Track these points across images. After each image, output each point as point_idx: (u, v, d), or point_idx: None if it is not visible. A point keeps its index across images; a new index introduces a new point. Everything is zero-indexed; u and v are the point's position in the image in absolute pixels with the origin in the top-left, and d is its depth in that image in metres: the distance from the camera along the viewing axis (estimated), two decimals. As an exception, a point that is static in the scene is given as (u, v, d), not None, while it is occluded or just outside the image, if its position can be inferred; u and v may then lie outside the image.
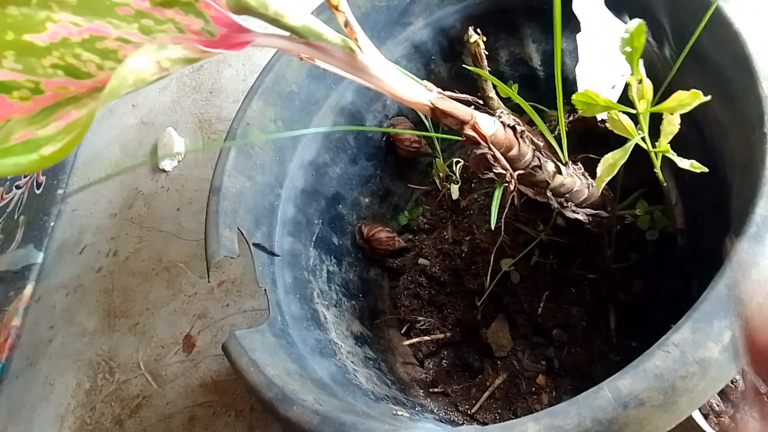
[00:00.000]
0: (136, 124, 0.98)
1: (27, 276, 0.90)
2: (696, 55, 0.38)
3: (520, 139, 0.30)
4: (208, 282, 0.75)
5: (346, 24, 0.23)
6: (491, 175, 0.32)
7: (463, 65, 0.56)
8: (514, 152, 0.31)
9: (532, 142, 0.32)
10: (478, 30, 0.39)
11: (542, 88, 0.58)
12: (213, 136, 0.90)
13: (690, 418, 0.41)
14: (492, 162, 0.30)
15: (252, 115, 0.49)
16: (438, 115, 0.27)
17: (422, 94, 0.27)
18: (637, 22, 0.34)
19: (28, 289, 0.89)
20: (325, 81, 0.52)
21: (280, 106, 0.51)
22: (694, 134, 0.44)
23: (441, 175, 0.54)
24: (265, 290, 0.46)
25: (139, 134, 0.97)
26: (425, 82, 0.27)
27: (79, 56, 0.20)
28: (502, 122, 0.29)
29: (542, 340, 0.49)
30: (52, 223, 0.93)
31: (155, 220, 0.87)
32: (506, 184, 0.32)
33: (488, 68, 0.43)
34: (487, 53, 0.41)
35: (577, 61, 0.57)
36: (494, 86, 0.48)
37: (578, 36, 0.55)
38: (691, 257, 0.44)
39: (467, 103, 0.29)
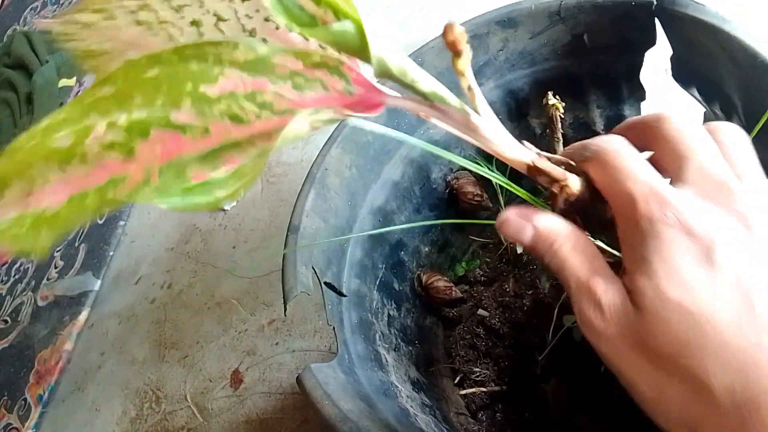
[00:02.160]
0: (199, 163, 1.02)
1: (83, 302, 0.93)
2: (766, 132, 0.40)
3: (598, 202, 0.32)
4: (285, 316, 0.77)
5: (469, 88, 0.25)
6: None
7: (528, 126, 0.58)
8: (591, 212, 0.33)
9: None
10: (557, 95, 0.42)
11: (604, 151, 0.60)
12: (272, 179, 0.94)
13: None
14: (573, 218, 0.32)
15: (330, 161, 0.52)
16: (533, 173, 0.29)
17: (525, 153, 0.29)
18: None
19: (83, 315, 0.92)
20: (400, 130, 0.55)
21: (356, 154, 0.54)
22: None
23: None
24: (334, 328, 0.47)
25: (201, 173, 1.01)
26: (525, 142, 0.30)
27: (242, 107, 0.23)
28: (587, 184, 0.32)
29: (605, 406, 0.49)
30: (111, 253, 0.97)
31: (210, 256, 0.90)
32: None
33: (562, 130, 0.45)
34: (562, 116, 0.43)
35: (639, 128, 0.59)
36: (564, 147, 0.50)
37: (642, 104, 0.57)
38: None
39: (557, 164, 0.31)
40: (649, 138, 0.31)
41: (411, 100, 0.26)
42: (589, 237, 0.31)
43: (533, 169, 0.29)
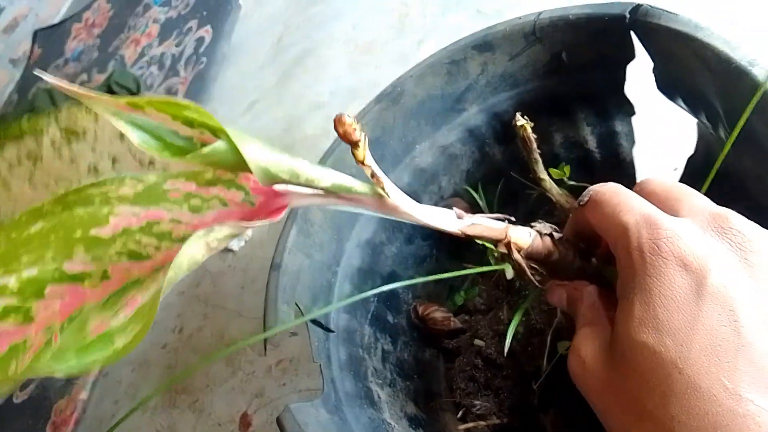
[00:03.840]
0: (208, 206, 1.03)
1: (98, 350, 0.93)
2: (749, 136, 0.38)
3: (559, 246, 0.32)
4: (265, 354, 0.77)
5: (373, 175, 0.25)
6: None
7: (517, 148, 0.57)
8: (554, 257, 0.32)
9: (573, 247, 0.33)
10: (525, 116, 0.41)
11: (599, 169, 0.59)
12: (279, 218, 0.94)
13: None
14: (525, 274, 0.31)
15: (313, 195, 0.52)
16: (470, 239, 0.29)
17: (453, 223, 0.29)
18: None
19: (98, 363, 0.92)
20: (381, 166, 0.55)
21: (340, 187, 0.54)
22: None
23: (496, 255, 0.54)
24: (320, 366, 0.46)
25: (210, 216, 1.02)
26: (455, 209, 0.29)
27: (139, 241, 0.22)
28: (537, 231, 0.31)
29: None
30: (124, 300, 0.98)
31: (220, 298, 0.90)
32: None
33: (539, 150, 0.44)
34: (536, 136, 0.42)
35: (633, 143, 0.58)
36: (548, 168, 0.49)
37: (633, 119, 0.56)
38: None
39: (501, 219, 0.31)
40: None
41: (318, 196, 0.25)
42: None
43: (468, 236, 0.29)
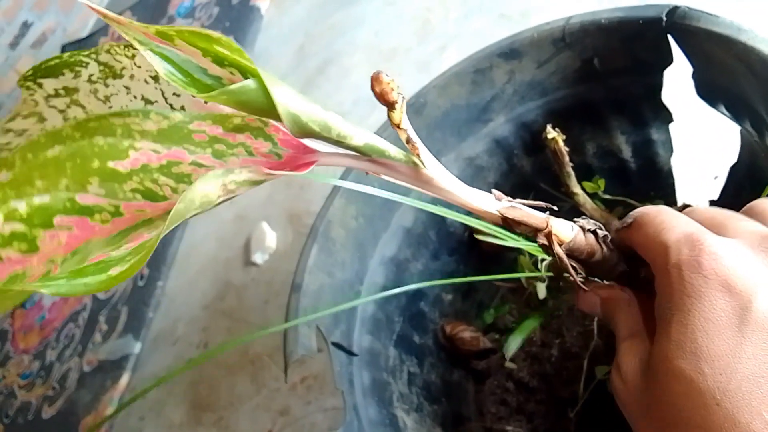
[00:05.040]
0: (232, 218, 1.03)
1: (124, 366, 0.93)
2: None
3: (603, 245, 0.29)
4: (285, 382, 0.75)
5: (408, 140, 0.23)
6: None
7: (547, 158, 0.55)
8: (597, 257, 0.29)
9: (618, 247, 0.30)
10: (557, 128, 0.38)
11: (634, 179, 0.56)
12: (302, 230, 0.93)
13: None
14: (568, 271, 0.28)
15: (334, 212, 0.50)
16: (509, 224, 0.26)
17: (490, 203, 0.26)
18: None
19: (124, 379, 0.92)
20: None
21: (362, 202, 0.52)
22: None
23: (527, 271, 0.52)
24: (342, 393, 0.44)
25: (235, 228, 1.02)
26: (494, 191, 0.27)
27: (157, 180, 0.21)
28: (581, 227, 0.28)
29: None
30: (150, 314, 0.98)
31: (244, 312, 0.89)
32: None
33: (571, 163, 0.41)
34: (568, 149, 0.40)
35: (671, 152, 0.54)
36: (581, 182, 0.46)
37: (671, 126, 0.53)
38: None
39: (543, 209, 0.28)
40: None
41: (348, 157, 0.23)
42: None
43: (507, 221, 0.26)
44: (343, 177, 0.52)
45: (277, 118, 0.19)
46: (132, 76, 0.24)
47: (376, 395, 0.47)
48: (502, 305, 0.59)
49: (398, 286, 0.53)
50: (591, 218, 0.43)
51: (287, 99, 0.19)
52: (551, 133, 0.38)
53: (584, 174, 0.52)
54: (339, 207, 0.50)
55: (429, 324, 0.57)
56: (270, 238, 0.94)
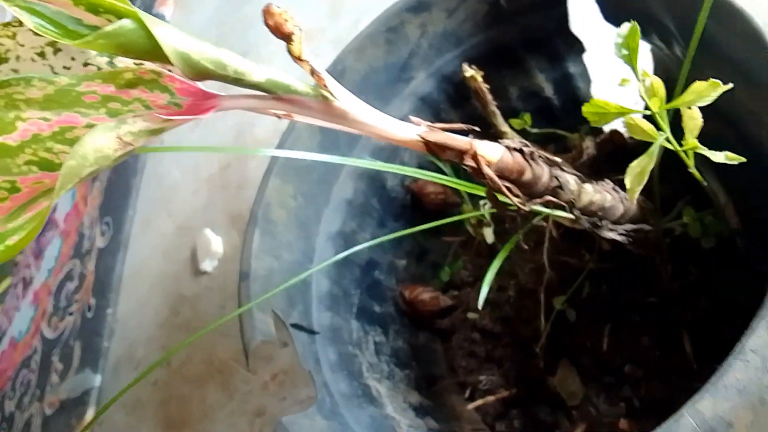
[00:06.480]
0: (174, 230, 1.00)
1: (86, 401, 0.89)
2: (707, 47, 0.36)
3: (531, 161, 0.28)
4: (248, 371, 0.74)
5: (313, 72, 0.22)
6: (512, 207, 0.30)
7: (474, 108, 0.55)
8: (527, 176, 0.29)
9: (547, 162, 0.30)
10: (473, 66, 0.38)
11: (560, 115, 0.56)
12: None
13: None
14: (503, 192, 0.28)
15: (271, 194, 0.49)
16: (434, 150, 0.26)
17: (410, 129, 0.25)
18: (629, 24, 0.33)
19: (89, 414, 0.88)
20: (339, 149, 0.52)
21: (298, 180, 0.51)
22: (730, 130, 0.41)
23: (472, 221, 0.52)
24: (310, 372, 0.44)
25: (178, 240, 0.98)
26: (413, 117, 0.26)
27: (51, 149, 0.19)
28: (506, 146, 0.28)
29: (615, 379, 0.45)
30: (105, 343, 0.94)
31: (202, 322, 0.87)
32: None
33: (495, 102, 0.42)
34: (489, 87, 0.40)
35: (590, 82, 0.55)
36: (508, 121, 0.46)
37: (585, 57, 0.54)
38: (756, 259, 0.40)
39: (466, 133, 0.27)
40: None
41: (252, 98, 0.22)
42: None
43: (430, 145, 0.25)
44: (273, 159, 0.51)
45: (166, 60, 0.18)
46: (18, 57, 0.22)
47: (344, 369, 0.46)
48: (455, 261, 0.59)
49: (349, 259, 0.53)
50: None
51: (172, 38, 0.18)
52: (468, 71, 0.37)
53: (513, 117, 0.53)
54: (275, 188, 0.49)
55: (387, 292, 0.56)
56: (215, 243, 0.92)
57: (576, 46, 0.52)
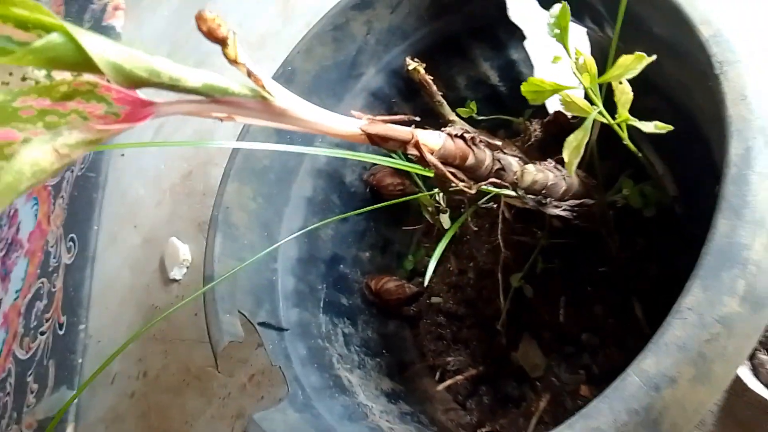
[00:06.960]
0: (140, 243, 0.99)
1: (65, 419, 0.89)
2: (634, 24, 0.38)
3: (473, 146, 0.30)
4: (218, 372, 0.75)
5: (250, 74, 0.23)
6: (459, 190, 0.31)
7: (424, 101, 0.56)
8: (471, 161, 0.30)
9: (489, 146, 0.32)
10: (415, 59, 0.40)
11: (508, 102, 0.58)
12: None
13: (739, 381, 0.38)
14: (448, 177, 0.29)
15: (229, 198, 0.49)
16: (377, 142, 0.27)
17: (351, 123, 0.26)
18: (559, 5, 0.34)
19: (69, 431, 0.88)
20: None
21: (257, 182, 0.51)
22: (665, 104, 0.43)
23: (429, 209, 0.53)
24: (280, 367, 0.45)
25: (145, 251, 0.98)
26: (353, 111, 0.27)
27: None
28: (448, 134, 0.29)
29: (574, 348, 0.47)
30: (80, 360, 0.93)
31: (176, 331, 0.87)
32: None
33: (441, 92, 0.43)
34: (432, 78, 0.41)
35: (532, 68, 0.57)
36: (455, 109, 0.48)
37: (525, 43, 0.55)
38: (694, 223, 0.42)
39: (408, 123, 0.29)
40: None
41: (190, 103, 0.23)
42: None
43: (372, 137, 0.27)
44: (230, 162, 0.52)
45: (98, 71, 0.19)
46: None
47: (315, 362, 0.47)
48: (418, 250, 0.61)
49: (313, 255, 0.54)
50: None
51: (101, 48, 0.18)
52: (411, 64, 0.39)
53: (462, 107, 0.54)
54: (233, 191, 0.50)
55: (353, 284, 0.57)
56: (183, 251, 0.92)
57: (516, 33, 0.54)
